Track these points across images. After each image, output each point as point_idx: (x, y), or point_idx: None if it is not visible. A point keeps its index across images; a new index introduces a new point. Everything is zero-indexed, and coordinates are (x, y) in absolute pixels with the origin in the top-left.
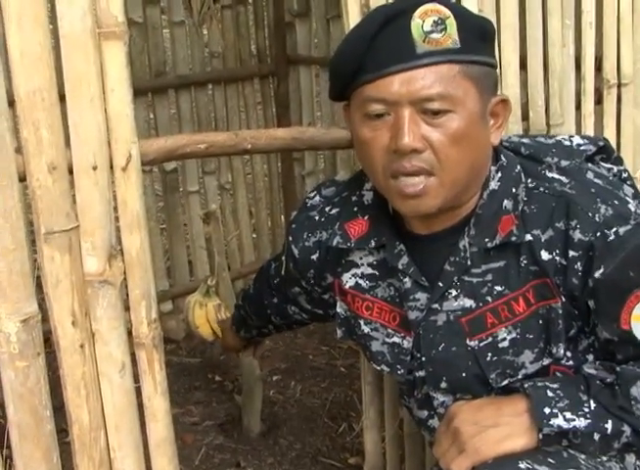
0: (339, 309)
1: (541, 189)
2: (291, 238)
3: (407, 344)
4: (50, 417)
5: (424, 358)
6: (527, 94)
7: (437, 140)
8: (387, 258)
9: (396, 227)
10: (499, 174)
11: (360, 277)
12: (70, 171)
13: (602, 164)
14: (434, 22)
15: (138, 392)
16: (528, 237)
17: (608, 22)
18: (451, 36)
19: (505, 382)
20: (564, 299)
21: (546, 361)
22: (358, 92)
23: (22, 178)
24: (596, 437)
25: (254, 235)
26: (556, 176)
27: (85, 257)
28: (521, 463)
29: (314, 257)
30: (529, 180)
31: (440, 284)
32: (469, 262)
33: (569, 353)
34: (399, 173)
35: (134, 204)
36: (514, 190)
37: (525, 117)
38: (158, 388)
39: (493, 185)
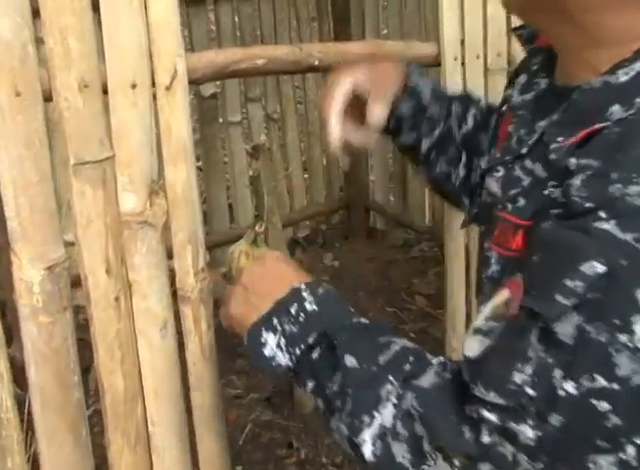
0: None
1: None
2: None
3: None
4: (78, 383)
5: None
6: None
7: None
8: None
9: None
10: (638, 65)
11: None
12: (105, 90)
13: None
14: None
15: (182, 355)
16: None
17: None
18: None
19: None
20: None
21: None
22: None
23: (48, 98)
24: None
25: (306, 176)
26: None
27: (122, 192)
28: None
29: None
30: None
31: (498, 155)
32: (524, 150)
33: None
34: None
35: (180, 129)
36: (638, 100)
37: None
38: (205, 350)
39: (620, 76)
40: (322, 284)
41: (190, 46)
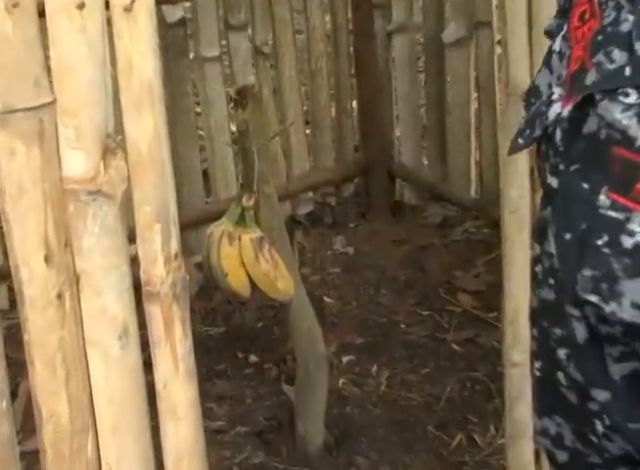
0: None
1: None
2: None
3: None
4: (7, 411)
5: None
6: None
7: None
8: None
9: None
10: None
11: None
12: (42, 12)
13: None
14: None
15: (148, 372)
16: None
17: None
18: None
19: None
20: None
21: None
22: None
23: None
24: None
25: (308, 131)
26: None
27: (65, 151)
28: None
29: None
30: None
31: (628, 73)
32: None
33: None
34: None
35: (144, 65)
36: None
37: None
38: (179, 365)
39: None
40: None
41: None
